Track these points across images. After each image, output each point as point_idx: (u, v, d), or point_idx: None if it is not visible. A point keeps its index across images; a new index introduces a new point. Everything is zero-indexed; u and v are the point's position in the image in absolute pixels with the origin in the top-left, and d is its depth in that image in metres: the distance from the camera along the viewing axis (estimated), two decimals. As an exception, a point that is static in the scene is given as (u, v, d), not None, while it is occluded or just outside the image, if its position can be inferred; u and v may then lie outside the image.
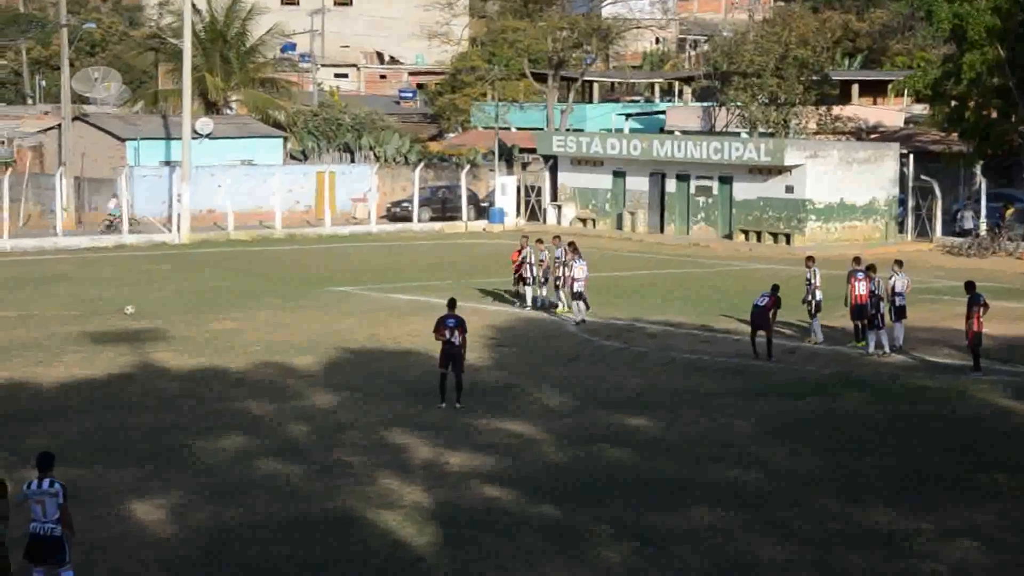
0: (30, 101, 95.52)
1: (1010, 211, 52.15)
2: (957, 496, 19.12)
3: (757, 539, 17.28)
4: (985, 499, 18.97)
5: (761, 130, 65.38)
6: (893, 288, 29.92)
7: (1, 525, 14.90)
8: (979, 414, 24.01)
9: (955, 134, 56.53)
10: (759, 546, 17.01)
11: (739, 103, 66.80)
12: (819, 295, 30.95)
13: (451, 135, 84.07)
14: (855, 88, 76.77)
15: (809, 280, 31.14)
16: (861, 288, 30.00)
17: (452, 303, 25.53)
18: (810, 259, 32.04)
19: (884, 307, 29.63)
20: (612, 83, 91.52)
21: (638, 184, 58.31)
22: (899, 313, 29.90)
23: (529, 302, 35.42)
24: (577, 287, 33.74)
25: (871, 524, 17.82)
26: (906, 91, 60.72)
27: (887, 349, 29.38)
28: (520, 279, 35.84)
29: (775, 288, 29.88)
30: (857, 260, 31.34)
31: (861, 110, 71.53)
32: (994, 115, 53.64)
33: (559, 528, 17.60)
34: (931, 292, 37.88)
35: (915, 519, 18.00)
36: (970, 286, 27.59)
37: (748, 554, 16.78)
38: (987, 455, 21.20)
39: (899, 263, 30.81)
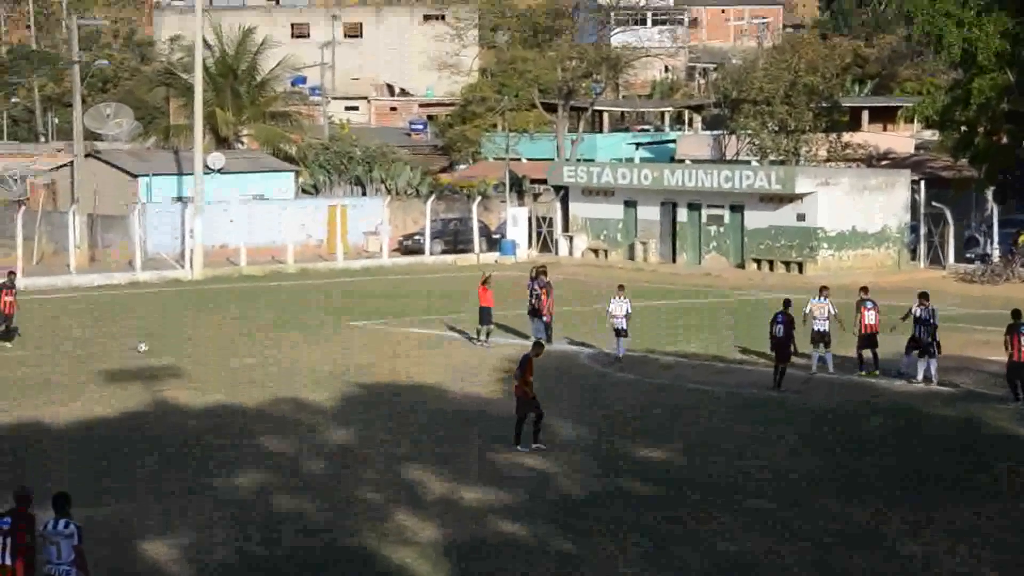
0: (43, 139, 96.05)
1: (1023, 237, 52.03)
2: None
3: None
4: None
5: (772, 158, 65.45)
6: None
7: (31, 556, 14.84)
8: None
9: (965, 160, 56.52)
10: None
11: (749, 131, 66.91)
12: (817, 325, 30.53)
13: (462, 166, 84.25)
14: (865, 115, 76.90)
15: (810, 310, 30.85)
16: (871, 318, 29.95)
17: (536, 344, 25.02)
18: (824, 289, 31.72)
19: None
20: (622, 112, 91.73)
21: (649, 214, 58.34)
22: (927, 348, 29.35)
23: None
24: (617, 324, 33.05)
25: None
26: (916, 117, 60.76)
27: (934, 379, 29.04)
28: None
29: (787, 304, 29.76)
30: (865, 289, 31.26)
31: (871, 137, 71.62)
32: (1004, 140, 53.62)
33: (576, 563, 17.55)
34: (947, 320, 37.67)
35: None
36: (1016, 314, 27.25)
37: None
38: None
39: (925, 295, 30.08)
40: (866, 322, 30.03)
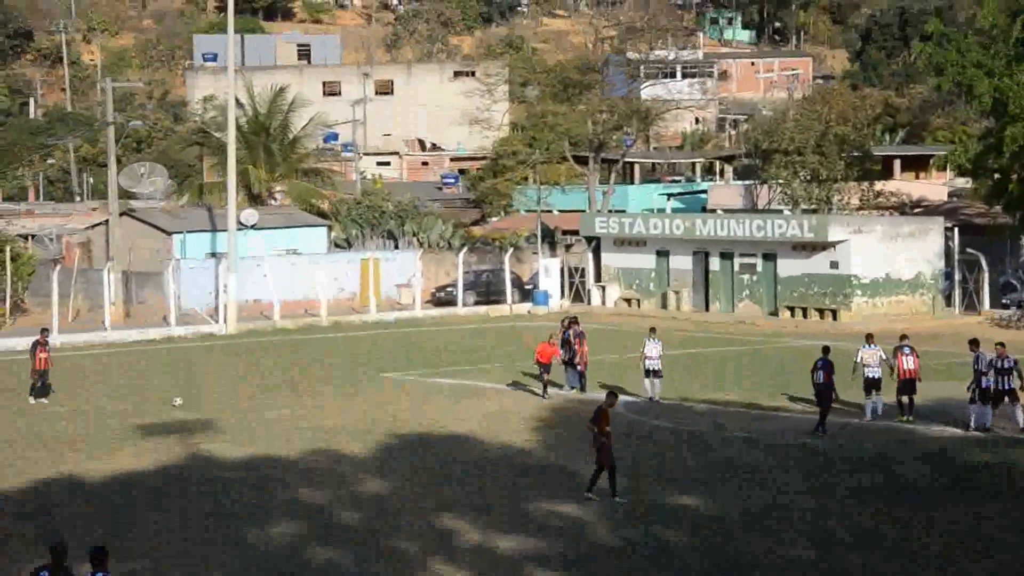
0: (78, 198, 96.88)
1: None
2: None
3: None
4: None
5: (803, 207, 65.36)
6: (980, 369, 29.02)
7: None
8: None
9: (999, 207, 56.32)
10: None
11: (781, 180, 66.88)
12: (869, 372, 30.52)
13: (494, 219, 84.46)
14: (897, 163, 76.76)
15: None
16: (909, 363, 29.92)
17: (611, 394, 24.94)
18: (870, 336, 31.52)
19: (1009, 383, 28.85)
20: (653, 164, 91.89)
21: (682, 263, 58.33)
22: (986, 395, 28.93)
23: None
24: (650, 365, 33.84)
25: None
26: (948, 165, 60.65)
27: (984, 425, 28.80)
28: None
29: (826, 350, 29.70)
30: (904, 337, 31.27)
31: (904, 185, 71.42)
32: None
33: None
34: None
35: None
36: None
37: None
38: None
39: (975, 342, 29.89)
40: (904, 367, 29.94)
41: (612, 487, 23.33)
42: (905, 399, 30.09)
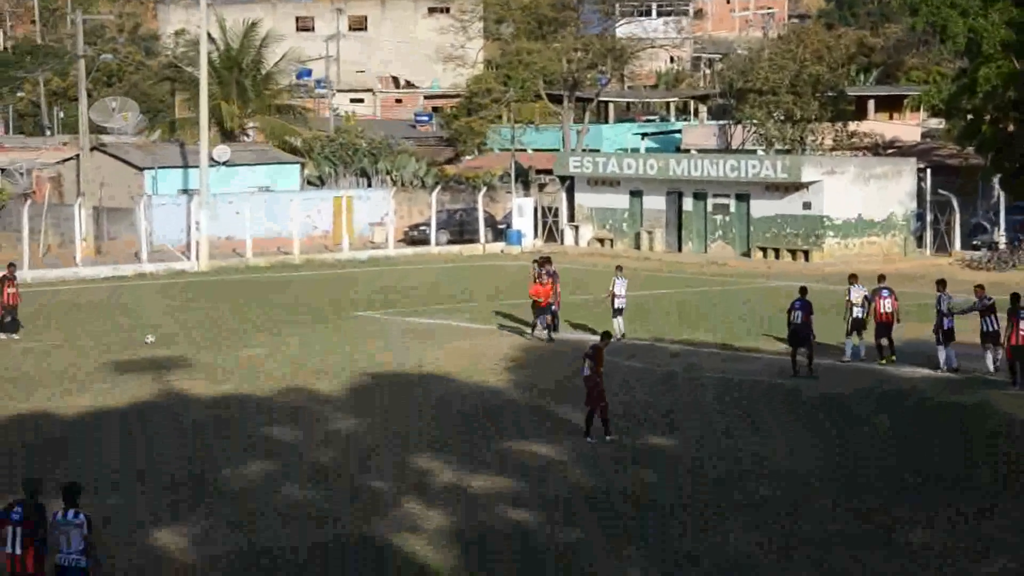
0: (48, 132, 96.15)
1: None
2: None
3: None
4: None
5: (777, 147, 65.38)
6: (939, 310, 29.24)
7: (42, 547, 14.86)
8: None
9: (972, 148, 56.42)
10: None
11: (755, 121, 66.83)
12: (856, 312, 30.61)
13: (467, 158, 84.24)
14: (871, 104, 76.74)
15: (849, 299, 30.63)
16: (887, 306, 29.93)
17: (605, 335, 25.01)
18: (853, 277, 31.50)
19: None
20: (627, 103, 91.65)
21: (655, 203, 58.35)
22: (947, 336, 29.20)
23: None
24: (620, 303, 34.21)
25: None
26: (922, 106, 60.67)
27: (951, 366, 28.98)
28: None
29: (803, 291, 29.79)
30: (882, 277, 31.25)
31: (877, 125, 71.47)
32: (1010, 128, 53.51)
33: (580, 552, 17.56)
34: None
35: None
36: (1015, 298, 27.28)
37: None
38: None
39: (942, 283, 29.95)
40: (881, 310, 29.98)
41: (605, 426, 23.33)
42: (885, 341, 30.13)
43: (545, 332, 34.05)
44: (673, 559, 17.10)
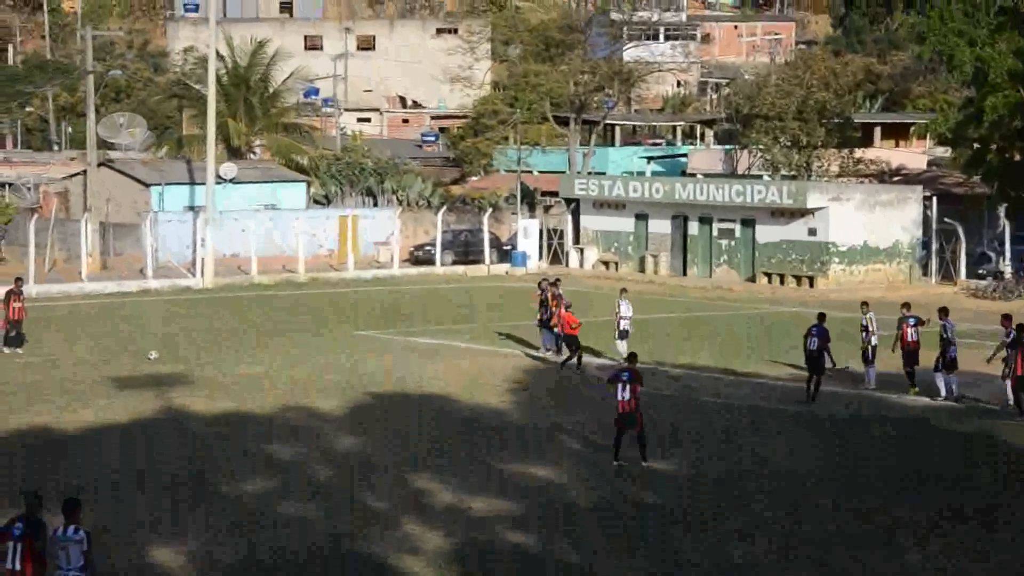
0: (56, 148, 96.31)
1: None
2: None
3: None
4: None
5: (783, 173, 65.43)
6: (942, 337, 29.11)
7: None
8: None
9: (978, 177, 56.47)
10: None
11: (761, 146, 66.90)
12: (875, 340, 30.37)
13: (473, 178, 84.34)
14: (877, 131, 76.78)
15: (866, 327, 30.52)
16: (913, 334, 29.64)
17: (632, 357, 24.69)
18: (865, 304, 31.43)
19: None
20: (634, 126, 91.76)
21: (660, 227, 58.38)
22: (950, 365, 29.07)
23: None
24: (625, 325, 34.16)
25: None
26: (928, 134, 60.73)
27: (953, 395, 28.89)
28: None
29: (821, 317, 29.68)
30: (907, 306, 30.81)
31: (883, 153, 71.52)
32: (1016, 157, 53.59)
33: (583, 572, 17.54)
34: (962, 335, 37.56)
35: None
36: (1020, 328, 27.16)
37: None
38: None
39: (944, 311, 29.90)
40: (908, 339, 29.68)
41: (642, 448, 23.04)
42: (910, 370, 29.70)
43: (572, 360, 32.76)
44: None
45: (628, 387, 23.02)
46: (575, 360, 32.85)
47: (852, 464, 23.28)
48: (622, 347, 33.81)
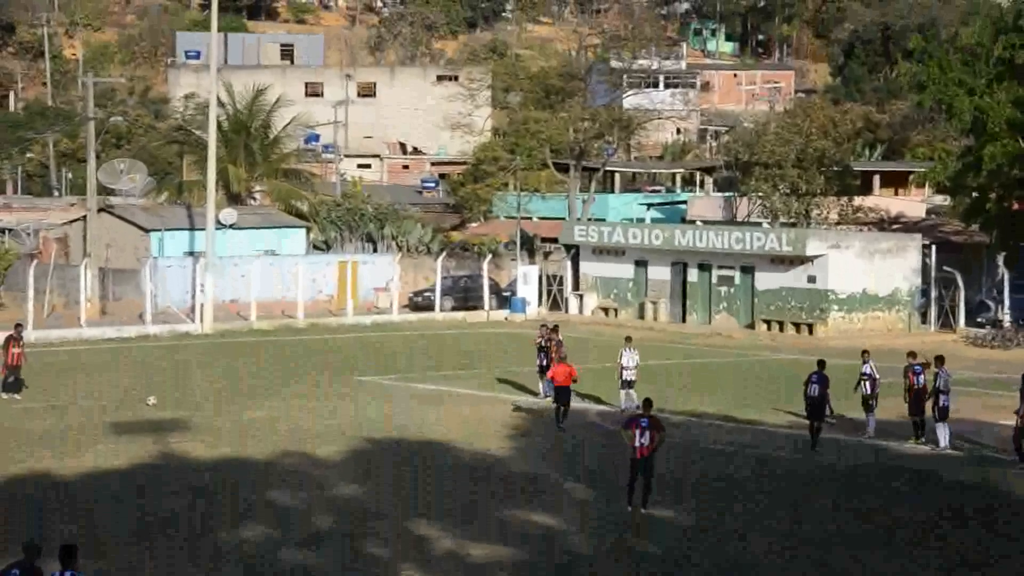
0: (56, 193, 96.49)
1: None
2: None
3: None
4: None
5: (782, 220, 65.54)
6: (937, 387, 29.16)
7: None
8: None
9: (977, 225, 56.54)
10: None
11: (760, 193, 67.03)
12: (873, 388, 30.31)
13: (473, 224, 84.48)
14: (876, 179, 77.01)
15: (868, 374, 30.45)
16: (920, 382, 29.52)
17: (648, 403, 24.24)
18: (866, 352, 31.40)
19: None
20: (633, 173, 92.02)
21: (660, 273, 58.42)
22: (943, 413, 29.15)
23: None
24: (627, 375, 33.71)
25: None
26: (927, 182, 60.88)
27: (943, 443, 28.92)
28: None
29: (821, 364, 29.63)
30: (913, 354, 30.68)
31: (883, 201, 71.66)
32: (1015, 206, 53.68)
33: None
34: (962, 383, 37.48)
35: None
36: None
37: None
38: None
39: (940, 359, 29.87)
40: (916, 386, 29.58)
41: (645, 496, 22.98)
42: (921, 419, 29.62)
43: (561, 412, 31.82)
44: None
45: (647, 433, 22.98)
46: (561, 411, 31.80)
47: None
48: (623, 396, 33.65)
